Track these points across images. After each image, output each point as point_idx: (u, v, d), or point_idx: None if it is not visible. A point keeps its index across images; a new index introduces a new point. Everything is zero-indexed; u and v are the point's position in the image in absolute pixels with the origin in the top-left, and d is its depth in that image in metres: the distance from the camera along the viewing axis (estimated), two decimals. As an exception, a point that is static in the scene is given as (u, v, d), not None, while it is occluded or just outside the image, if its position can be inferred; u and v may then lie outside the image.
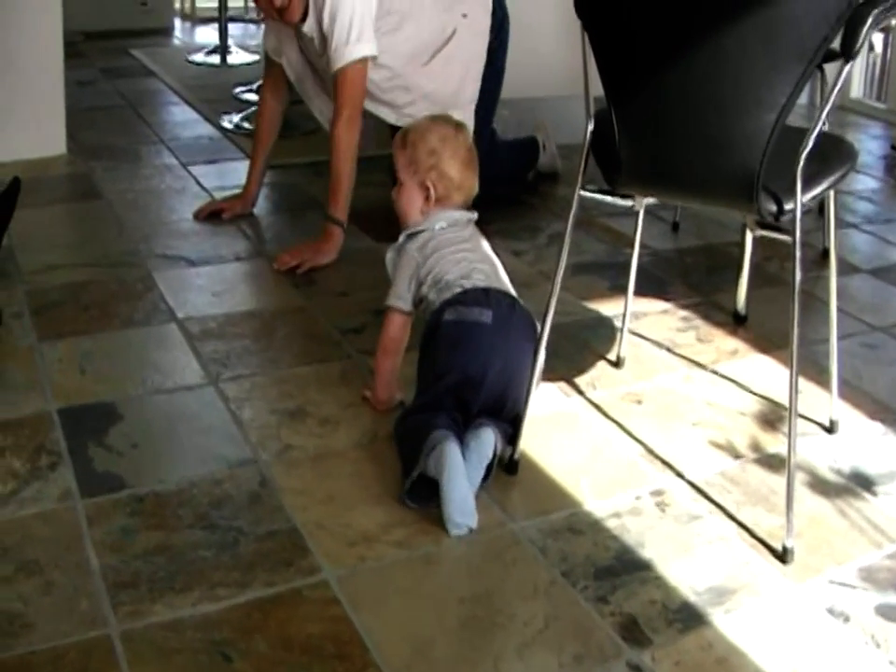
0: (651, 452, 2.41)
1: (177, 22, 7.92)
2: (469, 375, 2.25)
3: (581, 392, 2.65)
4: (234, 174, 4.27)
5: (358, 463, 2.32)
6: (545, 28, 4.78)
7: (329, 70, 3.44)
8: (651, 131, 2.16)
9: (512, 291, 2.42)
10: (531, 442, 2.38)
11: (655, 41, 2.07)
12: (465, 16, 3.72)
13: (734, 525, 2.17)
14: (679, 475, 2.32)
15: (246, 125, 4.91)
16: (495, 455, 2.18)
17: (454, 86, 3.74)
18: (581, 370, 2.72)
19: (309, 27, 3.42)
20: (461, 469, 2.07)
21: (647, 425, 2.52)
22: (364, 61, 3.39)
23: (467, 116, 3.69)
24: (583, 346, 2.84)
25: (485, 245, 2.50)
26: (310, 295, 3.17)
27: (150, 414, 2.50)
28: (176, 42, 7.61)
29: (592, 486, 2.27)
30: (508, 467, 2.30)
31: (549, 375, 2.65)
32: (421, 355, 2.38)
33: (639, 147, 2.19)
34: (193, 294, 3.17)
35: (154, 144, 4.75)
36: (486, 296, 2.33)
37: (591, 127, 2.27)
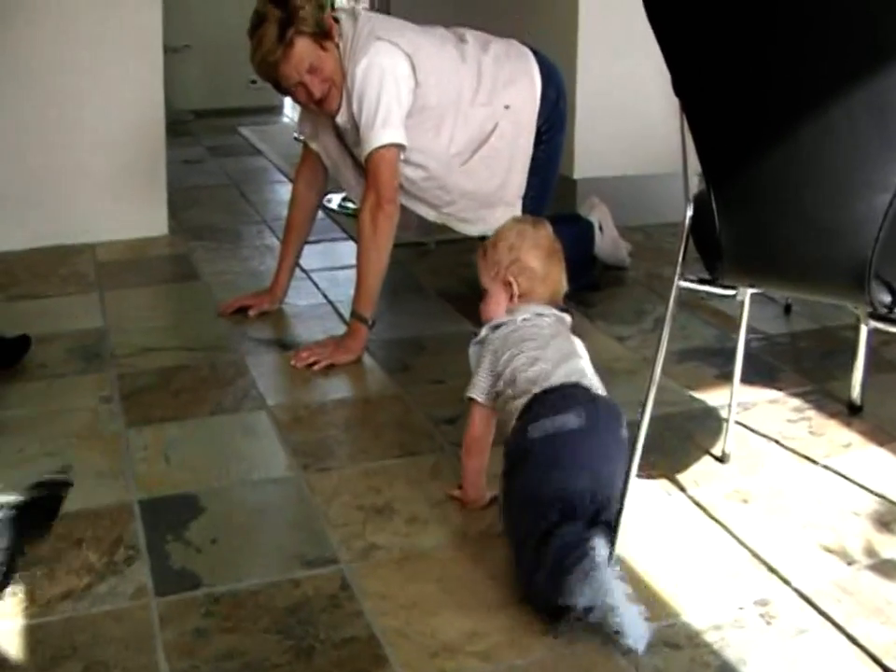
0: (756, 556, 2.25)
1: (286, 100, 7.98)
2: (578, 490, 2.05)
3: (683, 489, 2.51)
4: (336, 254, 4.25)
5: (445, 566, 2.20)
6: (644, 102, 4.63)
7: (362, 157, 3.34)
8: (752, 216, 2.04)
9: (598, 389, 2.26)
10: (628, 545, 2.24)
11: (758, 121, 1.96)
12: (507, 107, 3.48)
13: (845, 639, 2.00)
14: (786, 583, 2.16)
15: (350, 205, 4.88)
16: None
17: (496, 182, 3.53)
18: (685, 465, 2.58)
19: (342, 119, 3.34)
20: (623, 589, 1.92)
21: (753, 526, 2.37)
22: (392, 147, 3.24)
23: (515, 210, 3.48)
24: (687, 439, 2.71)
25: (575, 342, 2.37)
26: (405, 382, 3.09)
27: (233, 507, 2.43)
28: (285, 120, 7.73)
29: (691, 595, 2.12)
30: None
31: (650, 471, 2.52)
32: (509, 484, 2.17)
33: (741, 234, 2.07)
34: (285, 380, 3.13)
35: (256, 224, 4.76)
36: (564, 397, 2.17)
37: (689, 212, 2.16)
